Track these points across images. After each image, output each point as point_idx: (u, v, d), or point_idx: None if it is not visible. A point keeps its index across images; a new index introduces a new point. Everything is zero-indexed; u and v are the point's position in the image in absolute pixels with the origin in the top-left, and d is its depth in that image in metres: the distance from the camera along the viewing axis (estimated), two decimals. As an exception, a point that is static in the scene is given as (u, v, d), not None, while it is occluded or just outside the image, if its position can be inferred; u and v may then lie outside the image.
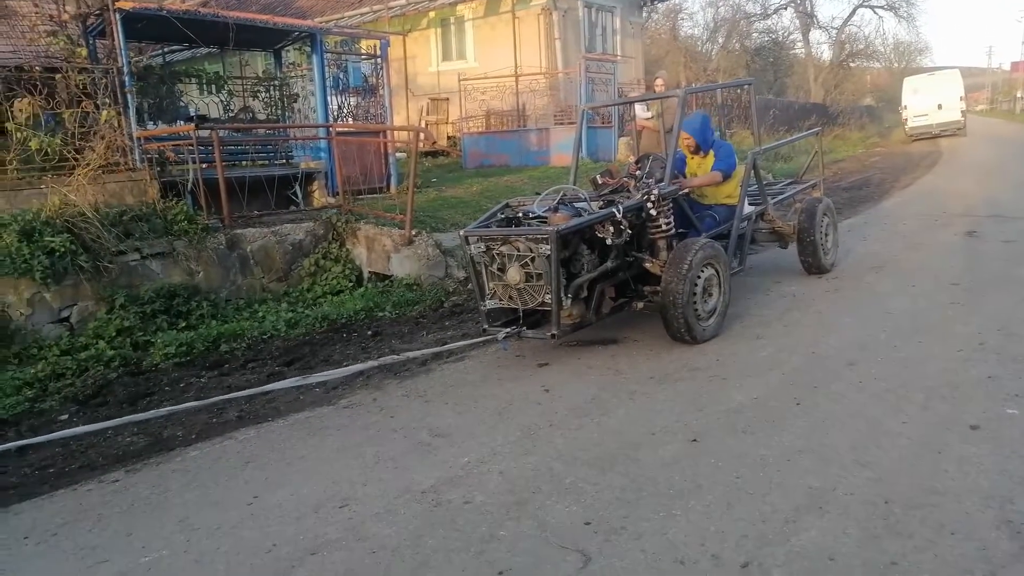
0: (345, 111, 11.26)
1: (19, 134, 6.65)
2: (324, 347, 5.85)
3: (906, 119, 27.14)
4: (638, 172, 5.55)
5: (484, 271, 4.89)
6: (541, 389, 4.52)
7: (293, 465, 3.74)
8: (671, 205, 5.23)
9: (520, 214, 5.06)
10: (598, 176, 5.62)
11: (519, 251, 4.63)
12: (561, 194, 5.12)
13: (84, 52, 7.77)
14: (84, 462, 3.97)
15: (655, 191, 4.96)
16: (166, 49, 12.38)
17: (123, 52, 7.62)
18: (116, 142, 7.09)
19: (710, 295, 5.15)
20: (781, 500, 3.00)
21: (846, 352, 4.74)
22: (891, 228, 9.30)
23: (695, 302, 4.96)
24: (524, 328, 4.84)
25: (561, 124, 14.97)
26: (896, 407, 3.83)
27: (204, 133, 8.35)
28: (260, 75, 11.85)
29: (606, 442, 3.70)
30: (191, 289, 6.81)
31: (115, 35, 7.59)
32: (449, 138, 17.76)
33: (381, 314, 6.67)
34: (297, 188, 9.48)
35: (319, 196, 9.78)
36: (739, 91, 23.74)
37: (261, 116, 11.21)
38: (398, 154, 11.83)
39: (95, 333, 5.89)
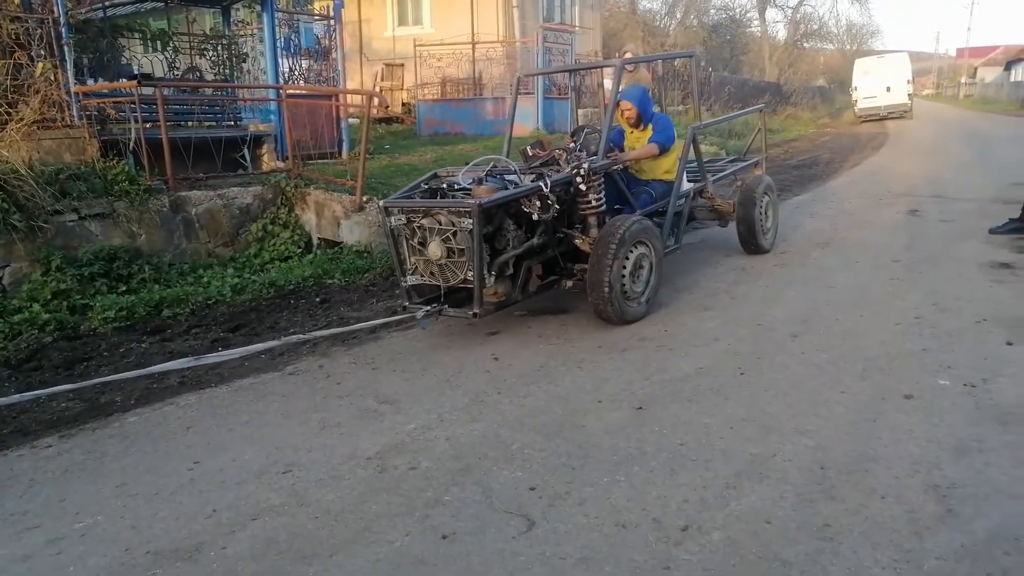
0: (296, 73, 10.98)
1: (-54, 85, 6.32)
2: (271, 313, 5.75)
3: (856, 100, 27.70)
4: (572, 144, 5.33)
5: (405, 245, 4.65)
6: (490, 357, 4.51)
7: (236, 431, 3.67)
8: (602, 180, 5.09)
9: (445, 185, 4.85)
10: (528, 148, 5.36)
11: (441, 225, 4.40)
12: (491, 165, 4.94)
13: (18, 0, 7.38)
14: (16, 427, 3.84)
15: (585, 165, 4.78)
16: (107, 3, 11.86)
17: (59, 2, 7.26)
18: (52, 96, 6.78)
19: (640, 274, 5.00)
20: (722, 466, 3.06)
21: (790, 325, 4.84)
22: (837, 206, 9.50)
23: (624, 281, 4.82)
24: (446, 306, 4.61)
25: (525, 94, 14.85)
26: (835, 378, 3.93)
27: (148, 91, 8.05)
28: (208, 33, 11.45)
29: (553, 409, 3.72)
30: (132, 252, 6.60)
31: (51, -17, 7.22)
32: (404, 105, 17.51)
33: (330, 281, 6.57)
34: (245, 151, 9.23)
35: (268, 160, 9.55)
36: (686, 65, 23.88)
37: (209, 76, 10.85)
38: (351, 119, 11.61)
39: (29, 296, 5.68)
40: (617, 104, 5.67)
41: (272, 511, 2.89)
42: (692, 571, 2.41)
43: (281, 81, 10.15)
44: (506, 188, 4.63)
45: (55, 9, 7.19)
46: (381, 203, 4.74)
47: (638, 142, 5.73)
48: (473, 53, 15.91)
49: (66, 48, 7.21)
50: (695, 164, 6.62)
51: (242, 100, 10.33)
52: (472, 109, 15.15)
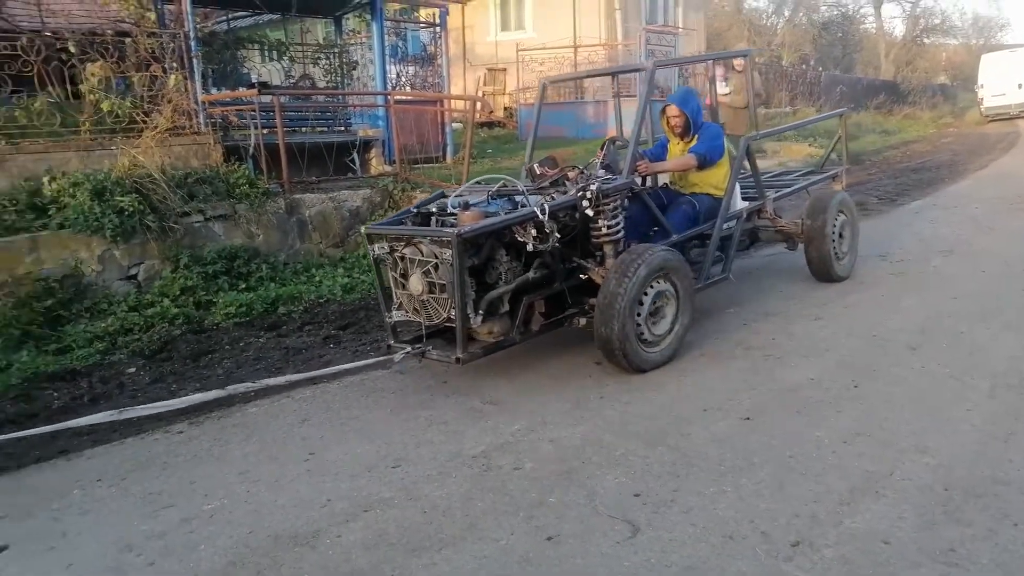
0: (403, 80, 11.31)
1: (92, 96, 6.84)
2: (378, 312, 5.94)
3: (982, 98, 25.96)
4: (596, 160, 4.75)
5: (390, 276, 4.18)
6: (593, 362, 4.51)
7: (347, 425, 3.83)
8: (620, 203, 4.42)
9: (435, 209, 4.27)
10: (535, 165, 4.75)
11: (422, 255, 3.89)
12: (499, 184, 4.40)
13: (153, 16, 7.95)
14: (151, 413, 4.13)
15: (592, 186, 4.13)
16: (230, 15, 12.57)
17: (190, 17, 7.76)
18: (182, 106, 7.24)
19: (662, 315, 4.34)
20: (835, 481, 2.96)
21: (908, 336, 4.62)
22: (962, 211, 8.97)
23: (639, 324, 4.17)
24: (430, 348, 4.09)
25: (620, 96, 14.75)
26: (960, 394, 3.73)
27: (266, 99, 8.48)
28: (321, 42, 11.95)
29: (657, 417, 3.69)
30: (251, 251, 6.97)
31: (182, 0, 7.74)
32: (505, 109, 17.71)
33: (435, 282, 6.73)
34: (355, 155, 9.58)
35: (376, 164, 9.87)
36: (804, 66, 23.03)
37: (321, 83, 11.32)
38: (454, 124, 11.85)
39: (161, 291, 6.09)
40: (663, 111, 5.14)
41: (383, 504, 3.00)
42: (804, 588, 2.35)
43: (389, 87, 10.48)
44: (501, 213, 4.05)
45: (186, 24, 7.68)
46: (363, 229, 4.31)
47: (684, 152, 5.10)
48: (575, 57, 15.92)
49: (195, 61, 7.69)
50: (765, 179, 6.17)
51: (352, 106, 10.72)
52: (572, 112, 15.16)
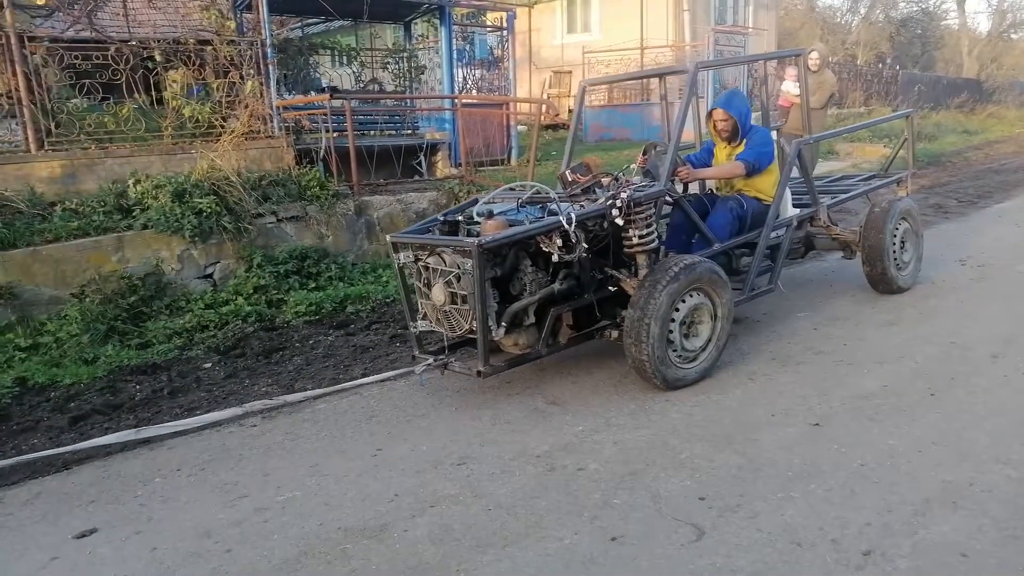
0: (470, 83, 11.42)
1: (174, 102, 7.16)
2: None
3: (1073, 96, 24.67)
4: (635, 167, 4.57)
5: (415, 286, 4.09)
6: (657, 364, 4.48)
7: (413, 422, 3.90)
8: (656, 211, 4.27)
9: (461, 217, 4.19)
10: (568, 172, 4.55)
11: (445, 265, 3.82)
12: (533, 191, 4.30)
13: (232, 25, 8.25)
14: (226, 406, 4.30)
15: (623, 194, 3.94)
16: (304, 22, 12.93)
17: (266, 25, 8.03)
18: (258, 111, 7.49)
19: (697, 330, 4.14)
20: (910, 491, 2.88)
21: (990, 344, 4.44)
22: (1049, 215, 8.55)
23: (672, 340, 3.99)
24: (452, 360, 4.04)
25: (667, 100, 14.59)
26: (1045, 404, 3.57)
27: (336, 103, 8.70)
28: (390, 47, 12.18)
29: (723, 421, 3.64)
30: (321, 252, 7.16)
31: (260, 8, 8.00)
32: (570, 111, 17.68)
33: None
34: (422, 158, 9.74)
35: (442, 166, 10.01)
36: (880, 64, 22.28)
37: (389, 87, 11.55)
38: (520, 127, 11.91)
39: (235, 290, 6.31)
40: (709, 114, 4.91)
41: (448, 500, 3.05)
42: (875, 598, 2.29)
43: (455, 91, 10.61)
44: (526, 222, 3.91)
45: (263, 31, 7.95)
46: (389, 238, 4.20)
47: (731, 158, 4.86)
48: (641, 58, 15.81)
49: (270, 67, 7.95)
50: (823, 184, 5.95)
51: (420, 110, 10.90)
52: (639, 115, 15.05)
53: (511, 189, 4.50)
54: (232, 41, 7.62)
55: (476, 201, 4.42)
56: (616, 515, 2.85)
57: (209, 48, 7.47)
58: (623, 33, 16.85)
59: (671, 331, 3.96)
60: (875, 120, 8.55)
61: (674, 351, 4.02)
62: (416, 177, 9.50)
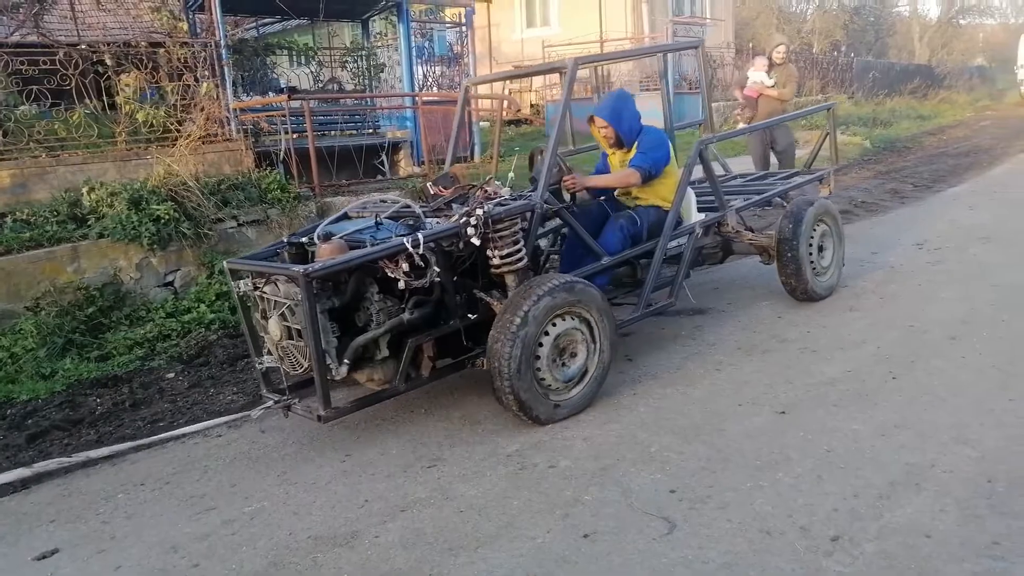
0: (430, 80, 11.36)
1: (127, 107, 6.99)
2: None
3: (1022, 80, 25.33)
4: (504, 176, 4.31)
5: (255, 318, 3.68)
6: (624, 358, 4.50)
7: (382, 426, 3.87)
8: (520, 228, 3.82)
9: (305, 240, 3.76)
10: (429, 184, 4.22)
11: (281, 295, 3.41)
12: (399, 205, 3.94)
13: (185, 27, 8.10)
14: (190, 417, 4.22)
15: (479, 210, 3.57)
16: (259, 22, 12.74)
17: (220, 25, 7.88)
18: (215, 114, 7.36)
19: (571, 357, 3.72)
20: (874, 475, 2.92)
21: (947, 326, 4.53)
22: (1001, 196, 8.78)
23: (539, 369, 3.56)
24: (295, 400, 3.61)
25: (647, 90, 14.66)
26: (1003, 384, 3.65)
27: (295, 104, 8.58)
28: (348, 46, 12.05)
29: (691, 412, 3.67)
30: (285, 256, 7.07)
31: (213, 8, 7.86)
32: (532, 106, 17.68)
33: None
34: (384, 157, 9.65)
35: (405, 165, 9.93)
36: (835, 52, 22.58)
37: (349, 87, 11.42)
38: (482, 123, 11.87)
39: (196, 297, 6.19)
40: (590, 119, 4.55)
41: (419, 503, 3.03)
42: (844, 584, 2.32)
43: (416, 88, 10.53)
44: (367, 244, 3.50)
45: (216, 32, 7.81)
46: (226, 264, 3.78)
47: (624, 164, 4.52)
48: (601, 51, 15.84)
49: (226, 68, 7.81)
50: (741, 184, 5.70)
51: (380, 108, 10.80)
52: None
53: (384, 202, 4.13)
54: (185, 43, 7.48)
55: (345, 215, 4.10)
56: (588, 512, 2.85)
57: (162, 50, 7.32)
58: (582, 26, 16.86)
59: (538, 361, 3.54)
60: (796, 113, 8.12)
61: (542, 383, 3.59)
62: (379, 177, 9.41)
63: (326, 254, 3.38)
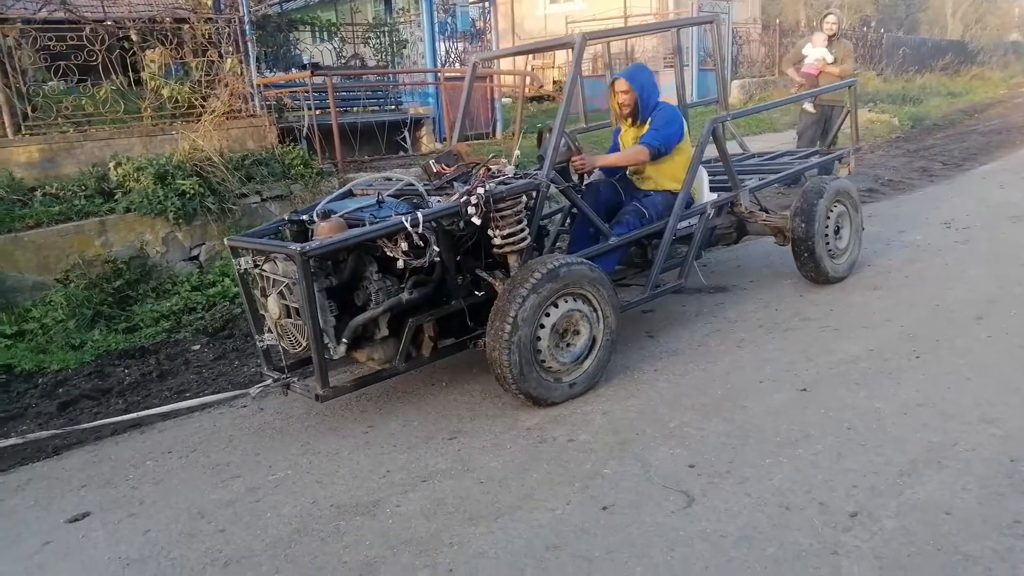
0: (453, 56, 11.31)
1: (152, 83, 7.05)
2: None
3: (1057, 56, 24.67)
4: (512, 154, 4.26)
5: (256, 296, 3.69)
6: (645, 335, 4.51)
7: (404, 398, 3.91)
8: (523, 207, 3.70)
9: (305, 218, 3.73)
10: (431, 162, 4.13)
11: (280, 273, 3.41)
12: (403, 183, 3.86)
13: (209, 2, 8.10)
14: (216, 388, 4.29)
15: (480, 189, 3.49)
16: (282, -2, 12.75)
17: (244, 1, 7.89)
18: (238, 89, 7.39)
19: (574, 338, 3.68)
20: (895, 453, 2.91)
21: (974, 306, 4.47)
22: (1032, 175, 8.59)
23: (543, 361, 3.54)
24: (294, 379, 3.63)
25: (671, 67, 14.48)
26: (1028, 364, 3.61)
27: (318, 80, 8.59)
28: (371, 22, 12.02)
29: (711, 388, 3.67)
30: (307, 231, 7.12)
31: (236, -16, 7.87)
32: (555, 83, 17.56)
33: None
34: (406, 133, 9.66)
35: (427, 141, 9.94)
36: (865, 28, 22.15)
37: (371, 63, 11.41)
38: (504, 99, 11.82)
39: (221, 271, 6.27)
40: (611, 86, 4.46)
41: (440, 474, 3.07)
42: (862, 558, 2.32)
43: (438, 64, 10.50)
44: (367, 222, 3.42)
45: (240, 8, 7.82)
46: (227, 241, 3.80)
47: (636, 140, 4.43)
48: (626, 27, 15.65)
49: (249, 44, 7.82)
50: (757, 163, 5.57)
51: (403, 85, 10.78)
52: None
53: (389, 179, 4.04)
54: (209, 19, 7.49)
55: (351, 192, 4.06)
56: (607, 484, 2.87)
57: (186, 26, 7.35)
58: (606, 2, 16.67)
59: (539, 343, 3.51)
60: (814, 91, 7.50)
61: (543, 363, 3.55)
62: (401, 153, 9.43)
63: (324, 232, 3.34)
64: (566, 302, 3.59)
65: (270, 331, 3.64)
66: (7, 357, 4.74)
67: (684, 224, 4.51)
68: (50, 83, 7.06)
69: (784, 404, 3.43)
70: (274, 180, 7.08)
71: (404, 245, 3.34)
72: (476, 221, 3.51)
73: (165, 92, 7.05)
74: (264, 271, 3.49)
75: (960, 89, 20.97)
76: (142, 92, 7.16)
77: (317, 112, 8.19)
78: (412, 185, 3.81)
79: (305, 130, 7.90)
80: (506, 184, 3.64)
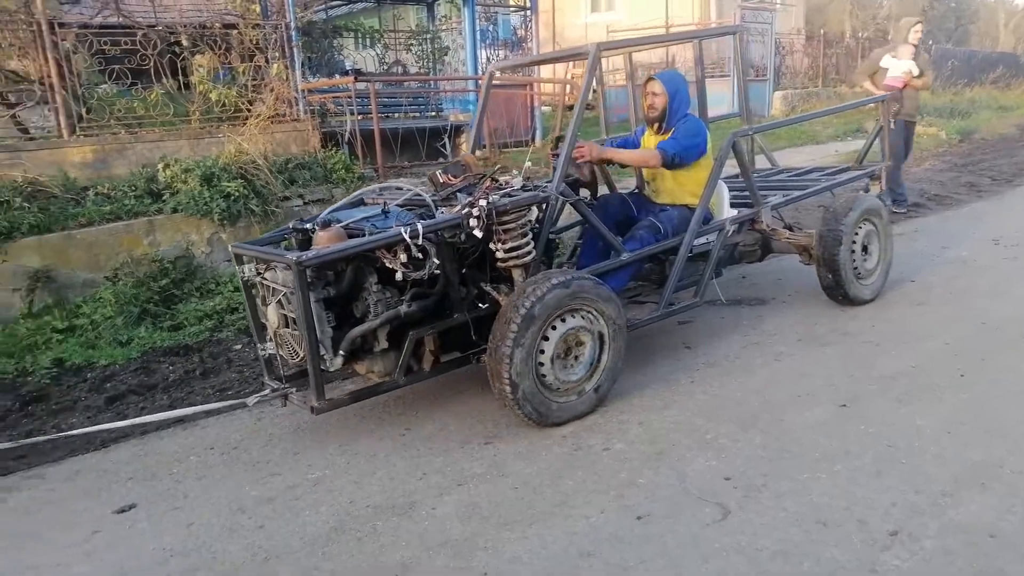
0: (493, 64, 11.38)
1: (201, 87, 7.23)
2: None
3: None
4: (524, 165, 4.19)
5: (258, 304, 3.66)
6: (682, 345, 4.49)
7: (440, 403, 3.95)
8: (528, 220, 3.63)
9: (309, 225, 3.64)
10: (438, 172, 4.07)
11: (280, 282, 3.36)
12: (411, 193, 3.80)
13: (257, 8, 8.27)
14: (255, 388, 4.37)
15: (482, 201, 3.42)
16: (328, 4, 12.94)
17: (291, 8, 8.04)
18: (284, 94, 7.54)
19: (578, 356, 3.58)
20: (938, 472, 2.87)
21: (1021, 324, 4.38)
22: (1086, 192, 8.37)
23: (540, 368, 3.44)
24: (293, 390, 3.57)
25: (711, 77, 14.38)
26: (1078, 385, 3.52)
27: (361, 86, 8.72)
28: (413, 29, 12.15)
29: (749, 401, 3.65)
30: (348, 234, 7.22)
31: (284, -9, 8.03)
32: (594, 92, 17.57)
33: (524, 265, 6.80)
34: (446, 140, 9.74)
35: (466, 148, 10.00)
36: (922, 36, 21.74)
37: (413, 69, 11.54)
38: (544, 108, 11.86)
39: (263, 272, 6.40)
40: (643, 85, 4.36)
41: (476, 479, 3.10)
42: (902, 578, 2.30)
43: (479, 72, 10.57)
44: (366, 232, 3.38)
45: (287, 15, 7.98)
46: (231, 248, 3.79)
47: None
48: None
49: (295, 50, 7.98)
50: (784, 179, 5.45)
51: (443, 91, 10.89)
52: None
53: (399, 189, 3.99)
54: (257, 24, 7.65)
55: (362, 201, 4.01)
56: (642, 494, 2.87)
57: (234, 32, 7.52)
58: (648, 11, 16.64)
59: (541, 361, 3.42)
60: (844, 105, 7.45)
61: (543, 381, 3.45)
62: (440, 159, 9.51)
63: (323, 242, 3.28)
64: (565, 321, 3.48)
65: (272, 340, 3.60)
66: (59, 351, 4.89)
67: (701, 241, 4.38)
68: (103, 86, 7.27)
69: (823, 419, 3.40)
70: (316, 184, 7.20)
71: (403, 257, 3.29)
72: (478, 234, 3.44)
73: (213, 96, 7.22)
74: (265, 279, 3.47)
75: (1012, 103, 20.47)
76: (190, 96, 7.35)
77: (359, 117, 8.30)
78: (420, 195, 3.74)
79: (347, 135, 8.03)
80: (511, 196, 3.57)
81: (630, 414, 3.60)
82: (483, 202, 3.41)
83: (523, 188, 3.72)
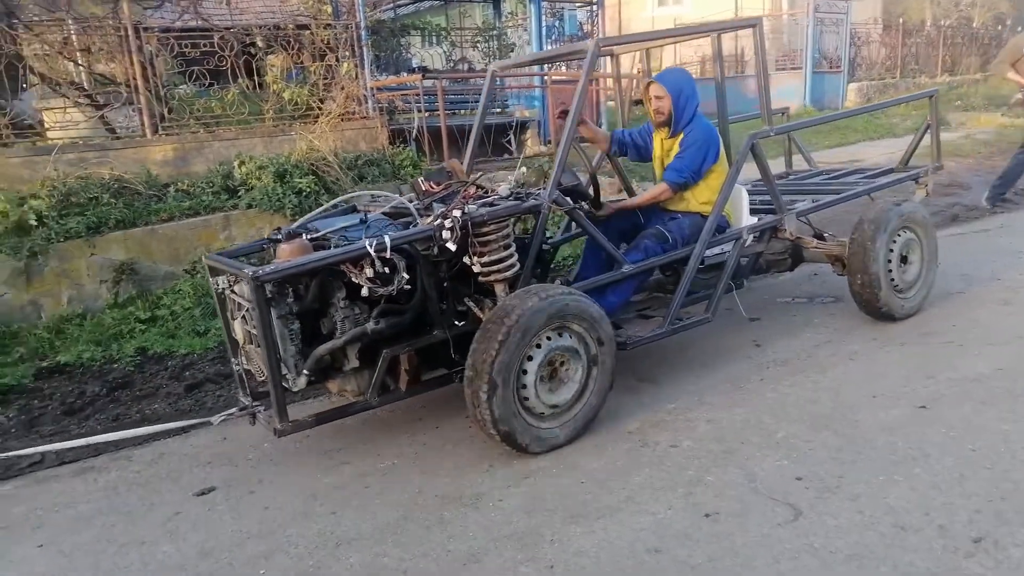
0: (559, 60, 11.37)
1: (275, 86, 7.44)
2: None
3: None
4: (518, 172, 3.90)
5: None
6: (752, 343, 4.41)
7: (506, 396, 3.97)
8: (511, 232, 3.43)
9: (280, 235, 3.30)
10: (420, 179, 3.84)
11: (245, 296, 3.12)
12: (396, 201, 3.57)
13: (328, 9, 8.46)
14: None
15: (457, 212, 3.18)
16: (396, 3, 13.15)
17: (361, 8, 8.22)
18: (353, 92, 7.69)
19: (565, 379, 3.31)
20: (1025, 478, 2.75)
21: (1118, 326, 4.15)
22: None
23: (523, 392, 3.18)
24: (260, 408, 3.33)
25: (783, 70, 14.07)
26: None
27: (428, 83, 8.84)
28: (479, 26, 12.25)
29: (821, 401, 3.56)
30: (414, 230, 7.33)
31: (354, -8, 8.21)
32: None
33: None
34: (511, 136, 9.79)
35: (532, 144, 10.04)
36: (999, 26, 20.88)
37: (479, 67, 11.62)
38: (609, 102, 11.79)
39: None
40: (646, 88, 4.07)
41: (541, 472, 3.11)
42: (986, 586, 2.21)
43: (545, 68, 10.58)
44: (331, 244, 3.20)
45: (357, 15, 8.14)
46: (204, 259, 3.61)
47: (668, 155, 4.08)
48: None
49: (364, 49, 8.14)
50: (817, 182, 5.11)
51: (509, 88, 10.93)
52: (731, 88, 14.61)
53: (376, 198, 3.83)
54: (328, 25, 7.83)
55: (354, 208, 3.84)
56: (710, 492, 2.84)
57: (307, 32, 7.71)
58: (715, 4, 16.33)
59: (523, 385, 3.17)
60: (887, 102, 6.93)
61: (526, 404, 3.21)
62: (506, 155, 9.56)
63: (284, 255, 3.07)
64: (551, 339, 3.23)
65: (243, 355, 3.41)
66: (142, 340, 5.12)
67: (716, 251, 4.12)
68: (183, 87, 7.56)
69: (900, 421, 3.29)
70: (384, 180, 7.32)
71: (369, 271, 3.07)
72: (451, 247, 3.20)
73: (286, 95, 7.42)
74: (234, 292, 3.27)
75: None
76: (264, 95, 7.57)
77: (426, 115, 8.42)
78: (405, 205, 3.48)
79: (415, 132, 8.15)
80: (492, 206, 3.33)
81: (698, 411, 3.55)
82: (457, 212, 3.20)
83: (514, 196, 3.48)
